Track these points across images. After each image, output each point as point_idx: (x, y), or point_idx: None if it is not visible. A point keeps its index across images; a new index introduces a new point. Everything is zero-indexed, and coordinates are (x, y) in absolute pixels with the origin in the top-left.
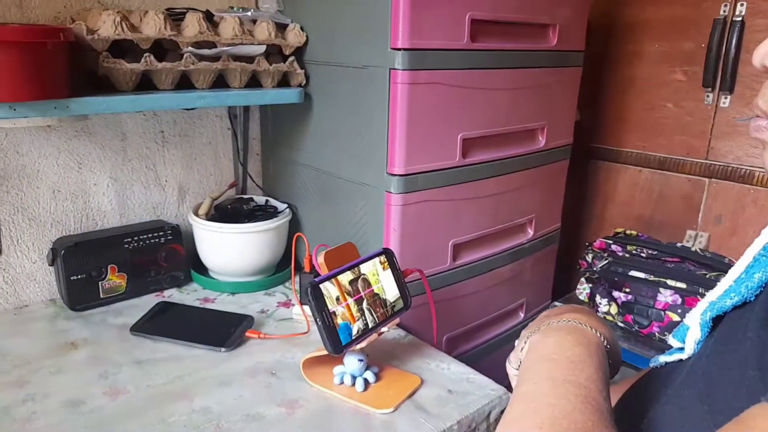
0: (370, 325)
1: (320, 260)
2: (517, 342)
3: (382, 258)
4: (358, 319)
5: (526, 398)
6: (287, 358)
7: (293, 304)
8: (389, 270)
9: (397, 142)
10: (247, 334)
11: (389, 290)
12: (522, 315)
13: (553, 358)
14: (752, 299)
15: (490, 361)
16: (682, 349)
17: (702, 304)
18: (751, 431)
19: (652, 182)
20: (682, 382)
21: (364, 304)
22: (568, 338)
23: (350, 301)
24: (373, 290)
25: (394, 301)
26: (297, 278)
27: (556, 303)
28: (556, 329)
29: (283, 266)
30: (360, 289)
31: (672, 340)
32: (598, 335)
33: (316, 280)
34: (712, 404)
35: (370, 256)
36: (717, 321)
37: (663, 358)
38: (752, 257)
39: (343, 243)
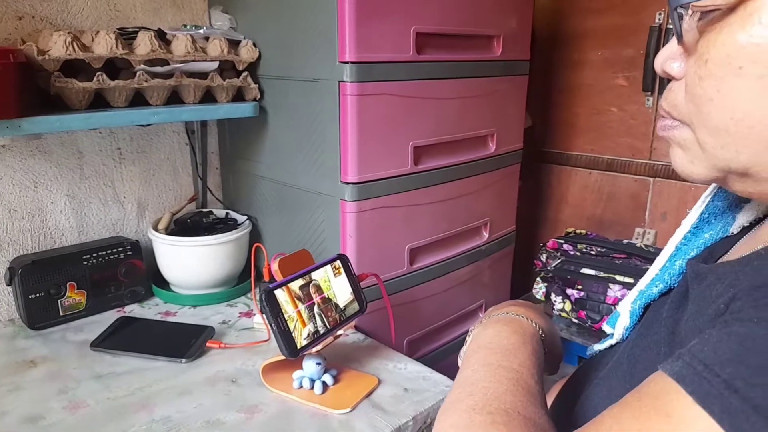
0: (321, 331)
1: (275, 267)
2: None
3: (337, 264)
4: (308, 324)
5: (463, 383)
6: (248, 366)
7: (254, 314)
8: (344, 275)
9: (349, 151)
10: (207, 344)
11: (341, 295)
12: (481, 316)
13: (489, 347)
14: (675, 285)
15: (452, 362)
16: (613, 335)
17: (633, 293)
18: (643, 395)
19: (602, 183)
20: (611, 365)
21: (315, 309)
22: (505, 328)
23: (301, 306)
24: (324, 296)
25: (346, 306)
26: (257, 288)
27: None
28: (495, 321)
29: (244, 277)
30: (311, 294)
31: (606, 327)
32: (534, 325)
33: (270, 286)
34: (633, 382)
35: (325, 263)
36: (648, 308)
37: (597, 347)
38: (674, 246)
39: (298, 250)
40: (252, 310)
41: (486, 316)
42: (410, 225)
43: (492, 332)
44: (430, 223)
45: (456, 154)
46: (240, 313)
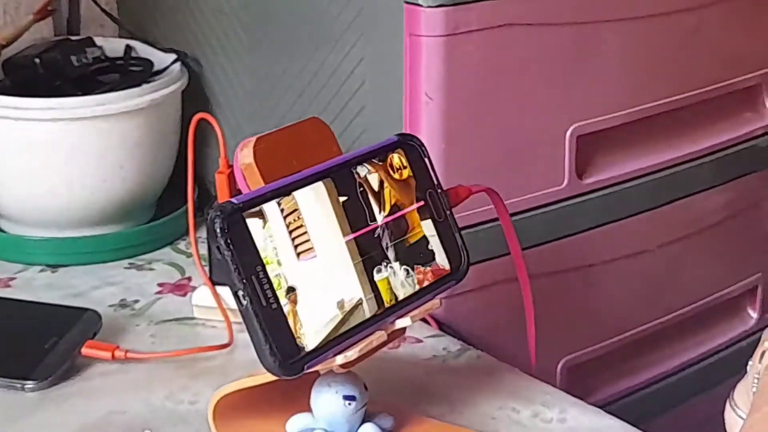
0: (368, 311)
1: (246, 161)
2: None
3: (396, 158)
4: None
5: None
6: (180, 400)
7: (193, 287)
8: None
9: None
10: (84, 351)
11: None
12: (754, 315)
13: None
14: None
15: (672, 419)
16: None
17: None
18: None
19: None
20: None
21: None
22: None
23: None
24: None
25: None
26: (205, 217)
27: None
28: None
29: (171, 201)
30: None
31: None
32: None
33: (234, 201)
34: None
35: (367, 152)
36: None
37: None
38: None
39: (300, 121)
40: (189, 276)
41: None
42: (579, 74)
43: None
44: (627, 73)
45: None
46: (161, 283)
